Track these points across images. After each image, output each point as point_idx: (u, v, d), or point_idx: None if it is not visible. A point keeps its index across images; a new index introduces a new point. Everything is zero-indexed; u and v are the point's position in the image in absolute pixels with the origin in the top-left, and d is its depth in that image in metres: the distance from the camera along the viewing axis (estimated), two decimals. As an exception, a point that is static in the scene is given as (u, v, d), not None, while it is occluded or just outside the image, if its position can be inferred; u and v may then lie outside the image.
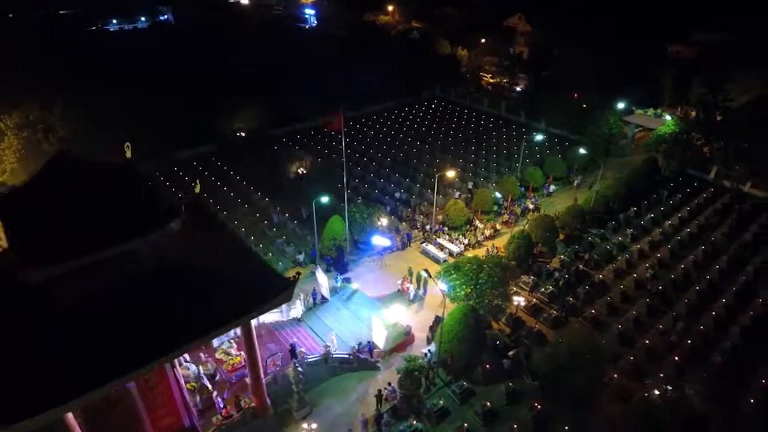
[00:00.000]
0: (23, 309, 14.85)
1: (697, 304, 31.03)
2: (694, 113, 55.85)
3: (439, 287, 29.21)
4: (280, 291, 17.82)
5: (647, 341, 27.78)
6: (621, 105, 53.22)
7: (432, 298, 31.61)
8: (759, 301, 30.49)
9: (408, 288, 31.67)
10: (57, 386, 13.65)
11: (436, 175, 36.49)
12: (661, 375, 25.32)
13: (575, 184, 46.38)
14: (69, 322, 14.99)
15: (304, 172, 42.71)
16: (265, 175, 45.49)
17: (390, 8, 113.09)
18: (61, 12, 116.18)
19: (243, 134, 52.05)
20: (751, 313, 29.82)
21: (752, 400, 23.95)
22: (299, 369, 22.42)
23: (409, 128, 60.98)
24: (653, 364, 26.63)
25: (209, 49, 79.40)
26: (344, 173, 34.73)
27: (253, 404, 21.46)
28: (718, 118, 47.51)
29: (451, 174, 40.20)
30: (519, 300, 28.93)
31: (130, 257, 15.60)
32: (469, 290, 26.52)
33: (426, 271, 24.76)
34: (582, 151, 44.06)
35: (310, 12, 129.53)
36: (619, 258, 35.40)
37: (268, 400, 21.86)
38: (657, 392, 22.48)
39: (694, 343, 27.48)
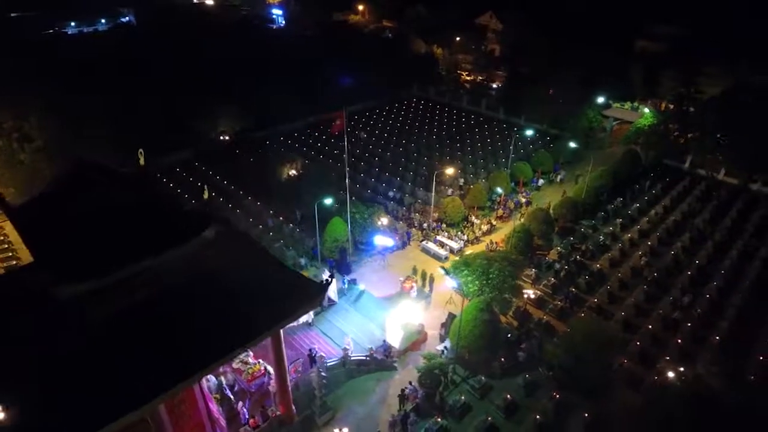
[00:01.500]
0: (53, 325, 14.05)
1: (690, 287, 32.39)
2: (664, 105, 58.40)
3: (447, 284, 29.66)
4: (313, 295, 17.51)
5: (650, 326, 28.79)
6: (600, 99, 54.82)
7: (438, 295, 31.77)
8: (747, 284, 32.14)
9: (409, 288, 31.61)
10: (90, 411, 12.97)
11: (435, 173, 36.68)
12: (667, 358, 26.34)
13: (558, 179, 47.43)
14: (100, 339, 14.28)
15: (296, 174, 42.09)
16: (254, 179, 44.56)
17: (360, 8, 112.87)
18: (12, 15, 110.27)
19: (227, 137, 50.81)
20: (740, 295, 31.40)
21: (752, 377, 25.27)
22: (322, 374, 22.11)
23: (392, 127, 61.04)
24: (658, 348, 27.70)
25: (178, 51, 77.02)
26: (346, 174, 34.38)
27: (279, 412, 21.03)
28: (691, 110, 49.73)
29: (450, 171, 40.44)
30: (528, 292, 29.42)
31: (163, 269, 14.96)
32: (481, 285, 26.71)
33: (443, 268, 24.82)
34: (572, 144, 45.13)
35: (277, 12, 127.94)
36: (612, 247, 36.54)
37: (293, 407, 21.45)
38: (672, 374, 23.26)
39: (694, 326, 28.68)
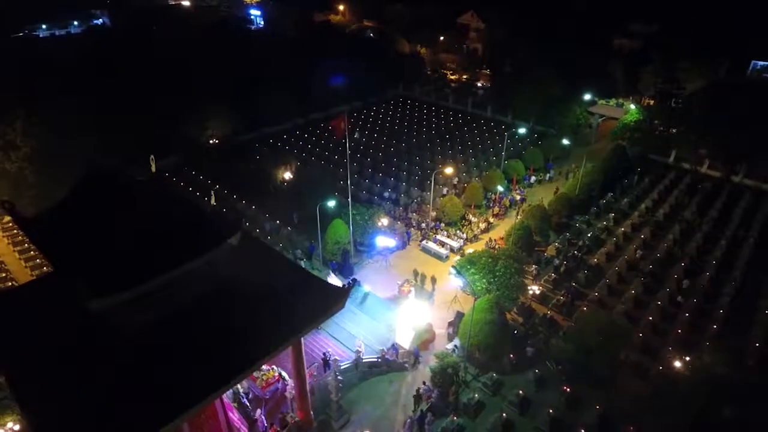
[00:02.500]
0: (89, 338, 13.67)
1: (684, 277, 33.33)
2: (646, 101, 59.94)
3: (453, 283, 29.86)
4: (336, 300, 17.42)
5: (650, 317, 29.53)
6: (587, 96, 55.90)
7: (442, 294, 31.93)
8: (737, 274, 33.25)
9: (407, 292, 31.54)
10: (124, 426, 12.68)
11: (434, 172, 36.81)
12: (670, 348, 27.07)
13: (548, 177, 48.11)
14: (132, 350, 13.94)
15: (291, 176, 41.72)
16: (246, 182, 43.99)
17: (341, 8, 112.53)
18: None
19: (216, 141, 50.03)
20: (733, 282, 32.48)
21: (750, 363, 26.19)
22: (339, 377, 22.01)
23: (381, 128, 61.03)
24: (659, 338, 28.44)
25: (159, 53, 75.33)
26: (348, 176, 34.23)
27: (297, 418, 20.85)
28: (673, 105, 51.16)
29: (449, 170, 40.69)
30: (533, 288, 29.83)
31: (192, 277, 14.68)
32: (488, 283, 26.98)
33: (454, 267, 24.98)
34: (565, 141, 45.90)
35: (255, 13, 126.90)
36: (607, 242, 37.33)
37: (312, 413, 21.31)
38: (679, 364, 23.91)
39: (692, 315, 29.55)
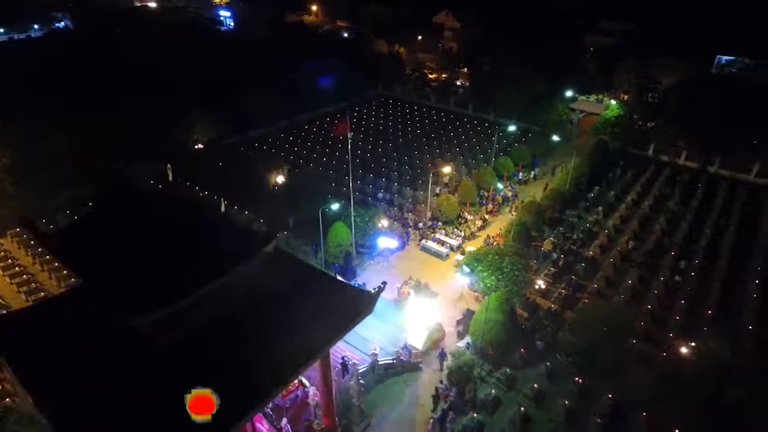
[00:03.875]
0: (120, 354, 13.18)
1: (675, 264, 34.64)
2: (622, 96, 61.87)
3: (459, 281, 30.14)
4: (366, 304, 17.34)
5: (649, 306, 30.56)
6: (569, 93, 57.25)
7: (446, 293, 32.18)
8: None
9: (405, 294, 31.61)
10: None
11: (431, 172, 37.05)
12: (671, 335, 28.09)
13: (532, 175, 48.99)
14: (172, 365, 13.53)
15: (284, 180, 41.14)
16: (237, 187, 43.05)
17: (314, 8, 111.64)
18: None
19: (201, 146, 48.86)
20: (719, 271, 33.92)
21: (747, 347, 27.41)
22: (361, 381, 21.93)
23: (366, 128, 60.89)
24: (658, 326, 29.47)
25: (127, 55, 72.81)
26: (350, 177, 34.06)
27: (323, 425, 20.67)
28: (650, 100, 53.01)
29: (447, 170, 40.98)
30: (539, 283, 30.40)
31: (227, 289, 14.34)
32: (497, 280, 27.36)
33: (467, 266, 25.18)
34: (555, 138, 46.88)
35: (225, 14, 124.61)
36: (599, 234, 38.38)
37: (337, 419, 21.16)
38: (685, 350, 24.83)
39: (688, 303, 30.73)
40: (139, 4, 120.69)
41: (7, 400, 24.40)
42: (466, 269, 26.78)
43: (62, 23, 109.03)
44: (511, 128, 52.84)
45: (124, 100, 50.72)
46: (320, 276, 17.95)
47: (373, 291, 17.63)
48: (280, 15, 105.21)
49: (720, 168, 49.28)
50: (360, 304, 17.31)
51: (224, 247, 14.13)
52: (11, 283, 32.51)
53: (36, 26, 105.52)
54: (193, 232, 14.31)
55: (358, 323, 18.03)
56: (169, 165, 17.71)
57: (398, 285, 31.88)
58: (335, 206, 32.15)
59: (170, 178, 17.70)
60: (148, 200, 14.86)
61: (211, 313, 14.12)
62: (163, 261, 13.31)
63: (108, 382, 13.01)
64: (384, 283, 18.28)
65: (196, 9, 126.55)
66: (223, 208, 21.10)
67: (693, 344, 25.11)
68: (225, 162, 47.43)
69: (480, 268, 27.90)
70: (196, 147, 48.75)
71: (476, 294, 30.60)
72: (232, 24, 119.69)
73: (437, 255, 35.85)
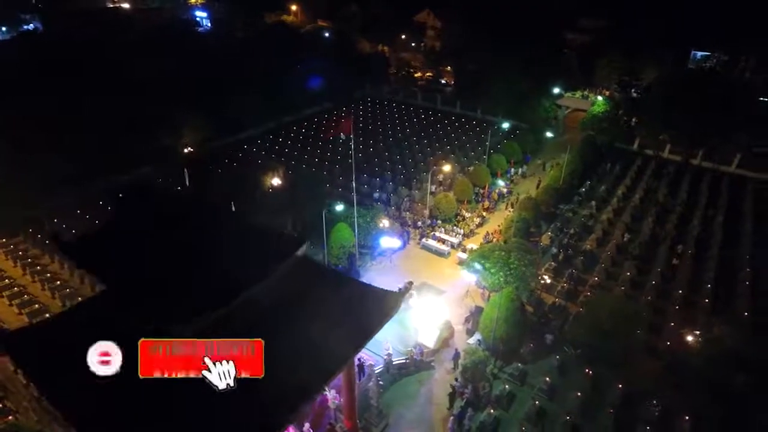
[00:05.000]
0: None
1: (670, 255, 35.57)
2: (604, 92, 63.22)
3: (466, 278, 30.32)
4: (393, 305, 17.29)
5: (648, 297, 31.29)
6: (556, 90, 58.16)
7: (451, 290, 32.36)
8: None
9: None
10: None
11: (430, 170, 37.12)
12: (672, 324, 28.84)
13: (520, 172, 49.58)
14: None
15: (280, 182, 40.60)
16: (229, 191, 42.29)
17: (293, 8, 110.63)
18: None
19: (190, 149, 47.87)
20: (712, 260, 35.01)
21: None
22: (380, 382, 21.86)
23: (355, 128, 60.46)
24: (658, 315, 30.21)
25: (104, 58, 70.72)
26: (353, 179, 33.87)
27: (346, 428, 20.53)
28: (634, 95, 54.32)
29: (447, 168, 41.15)
30: (545, 278, 30.81)
31: (261, 295, 14.08)
32: (506, 276, 27.61)
33: (478, 263, 25.31)
34: (549, 134, 47.58)
35: (201, 14, 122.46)
36: (595, 228, 39.14)
37: (358, 421, 21.05)
38: (690, 338, 25.53)
39: (684, 291, 31.61)
40: (111, 5, 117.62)
41: (10, 417, 23.59)
42: (478, 266, 26.89)
43: (31, 25, 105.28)
44: (505, 125, 53.22)
45: (104, 104, 49.35)
46: (345, 279, 17.83)
47: (399, 291, 17.56)
48: (259, 15, 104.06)
49: (703, 160, 50.81)
50: (387, 304, 17.23)
51: (259, 251, 13.86)
52: (1, 296, 31.33)
53: (4, 29, 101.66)
54: (223, 237, 14.00)
55: (383, 326, 17.97)
56: (185, 169, 17.14)
57: (400, 286, 31.82)
58: (339, 207, 31.86)
59: (187, 182, 17.07)
60: (173, 204, 14.46)
61: (246, 319, 13.84)
62: (199, 266, 12.98)
63: (143, 394, 12.62)
64: (410, 282, 18.27)
65: (171, 10, 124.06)
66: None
67: (697, 332, 25.85)
68: (216, 165, 46.64)
69: (488, 265, 28.09)
70: (185, 151, 47.67)
71: (483, 291, 30.82)
72: (209, 25, 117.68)
73: (439, 253, 35.98)
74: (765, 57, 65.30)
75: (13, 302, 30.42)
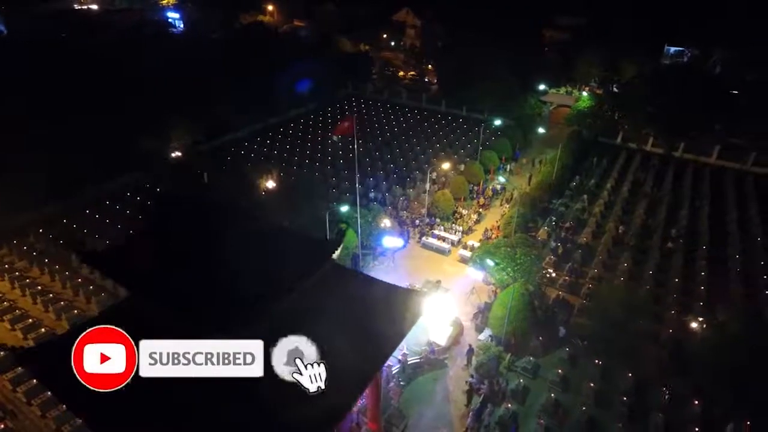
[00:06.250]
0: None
1: (663, 245, 36.59)
2: (585, 88, 64.59)
3: (471, 275, 30.52)
4: (420, 303, 17.24)
5: (647, 286, 32.11)
6: (542, 86, 59.06)
7: (455, 287, 32.49)
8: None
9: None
10: None
11: (429, 169, 37.19)
12: (672, 312, 29.68)
13: (508, 169, 50.22)
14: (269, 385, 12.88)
15: (274, 185, 40.06)
16: (223, 195, 41.50)
17: (269, 8, 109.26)
18: None
19: (178, 153, 46.70)
20: (704, 247, 36.22)
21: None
22: (401, 383, 21.79)
23: (354, 128, 60.14)
24: (657, 304, 31.04)
25: (78, 61, 68.26)
26: (356, 179, 33.63)
27: (370, 430, 20.39)
28: (615, 91, 55.71)
29: (446, 166, 41.28)
30: (550, 271, 31.25)
31: (302, 299, 13.82)
32: (514, 272, 27.91)
33: (491, 259, 25.48)
34: (541, 130, 48.26)
35: (173, 15, 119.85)
36: (588, 221, 39.94)
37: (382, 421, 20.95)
38: (695, 325, 26.31)
39: (681, 280, 32.58)
40: (78, 7, 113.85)
41: (1, 425, 22.78)
42: (491, 262, 27.08)
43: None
44: (498, 122, 53.65)
45: (84, 108, 47.67)
46: (370, 280, 17.66)
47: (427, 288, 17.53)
48: (233, 15, 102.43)
49: (684, 152, 52.45)
50: (415, 305, 17.16)
51: (297, 255, 13.60)
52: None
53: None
54: (258, 241, 13.69)
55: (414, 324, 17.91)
56: (204, 172, 16.69)
57: (407, 284, 31.88)
58: (345, 208, 31.61)
59: (206, 181, 16.63)
60: (202, 210, 14.05)
61: (287, 323, 13.57)
62: (238, 272, 12.64)
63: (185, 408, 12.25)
64: (438, 281, 18.21)
65: (141, 11, 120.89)
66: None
67: (701, 319, 26.68)
68: (208, 168, 45.51)
69: (496, 260, 28.33)
70: (173, 155, 46.49)
71: (490, 287, 31.06)
72: (182, 26, 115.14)
73: (440, 251, 36.08)
74: (734, 51, 67.78)
75: (4, 317, 29.10)
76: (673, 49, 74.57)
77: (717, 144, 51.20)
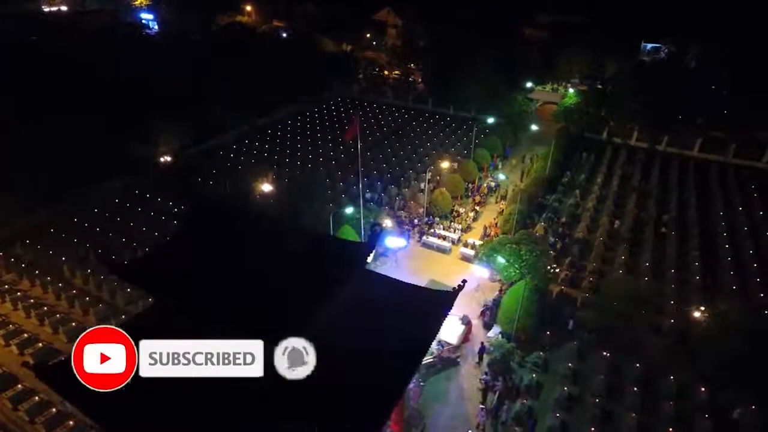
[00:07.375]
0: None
1: (657, 237, 37.49)
2: (569, 85, 65.71)
3: (476, 273, 30.71)
4: (448, 304, 17.24)
5: (646, 278, 32.86)
6: (529, 84, 59.77)
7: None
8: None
9: None
10: None
11: (429, 169, 37.22)
12: (672, 302, 30.45)
13: (500, 166, 50.70)
14: (295, 395, 12.69)
15: (271, 188, 39.42)
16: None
17: (248, 8, 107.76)
18: None
19: (168, 158, 45.58)
20: (696, 240, 37.26)
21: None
22: (422, 383, 21.76)
23: (332, 129, 59.94)
24: (657, 296, 31.77)
25: (52, 65, 65.92)
26: (360, 179, 33.40)
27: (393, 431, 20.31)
28: (600, 87, 56.84)
29: (445, 164, 41.35)
30: (553, 266, 31.64)
31: (338, 305, 13.63)
32: (521, 268, 28.17)
33: (500, 256, 25.64)
34: (534, 127, 48.78)
35: (147, 17, 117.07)
36: (583, 216, 40.61)
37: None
38: (698, 314, 27.02)
39: (677, 272, 33.45)
40: (47, 10, 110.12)
41: None
42: (501, 259, 27.26)
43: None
44: (490, 120, 53.98)
45: (64, 112, 46.14)
46: (396, 282, 17.54)
47: (453, 290, 17.53)
48: (212, 16, 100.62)
49: (667, 146, 53.87)
50: (442, 306, 17.14)
51: (334, 260, 13.39)
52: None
53: None
54: (295, 248, 13.43)
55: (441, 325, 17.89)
56: (226, 181, 16.30)
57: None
58: (349, 210, 31.37)
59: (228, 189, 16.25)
60: (232, 219, 13.71)
61: (325, 328, 13.37)
62: (277, 278, 12.39)
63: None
64: (464, 281, 18.24)
65: (113, 12, 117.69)
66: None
67: (702, 309, 27.43)
68: (200, 172, 44.66)
69: (506, 256, 28.54)
70: (162, 160, 45.34)
71: (495, 284, 31.28)
72: (157, 27, 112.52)
73: (440, 250, 36.17)
74: (708, 47, 69.88)
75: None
76: (649, 45, 76.42)
77: (699, 137, 52.71)
